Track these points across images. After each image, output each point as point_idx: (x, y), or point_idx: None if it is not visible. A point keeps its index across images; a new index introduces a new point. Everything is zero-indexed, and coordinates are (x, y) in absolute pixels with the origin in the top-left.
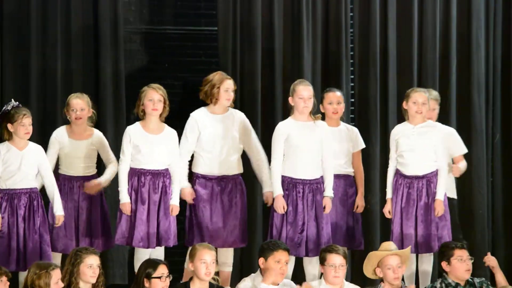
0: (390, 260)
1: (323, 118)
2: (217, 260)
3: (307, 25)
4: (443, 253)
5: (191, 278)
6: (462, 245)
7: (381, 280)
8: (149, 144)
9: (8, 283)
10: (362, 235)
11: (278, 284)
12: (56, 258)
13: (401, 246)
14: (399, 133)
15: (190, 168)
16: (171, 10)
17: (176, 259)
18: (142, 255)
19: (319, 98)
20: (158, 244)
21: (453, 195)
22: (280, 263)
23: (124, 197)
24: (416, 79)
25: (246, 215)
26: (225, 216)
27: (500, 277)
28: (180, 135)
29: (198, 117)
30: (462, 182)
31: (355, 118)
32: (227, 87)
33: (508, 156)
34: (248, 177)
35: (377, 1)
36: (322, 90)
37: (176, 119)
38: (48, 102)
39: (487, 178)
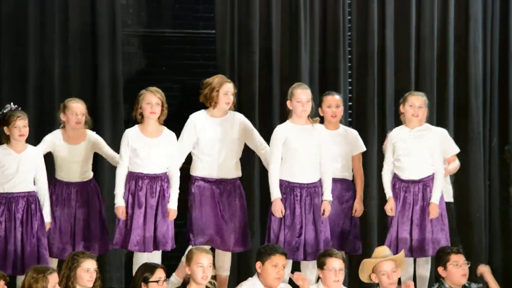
0: (384, 266)
1: (322, 122)
2: (214, 264)
3: (304, 28)
4: (439, 258)
5: (188, 282)
6: (458, 250)
7: (378, 285)
8: (147, 147)
9: (6, 287)
10: (359, 239)
11: None
12: (52, 262)
13: (397, 250)
14: (396, 137)
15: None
16: (169, 13)
17: (173, 263)
18: (140, 259)
19: (317, 101)
20: (156, 248)
21: (450, 198)
22: (277, 267)
23: (119, 201)
24: (414, 81)
25: (247, 218)
26: (225, 218)
27: (493, 285)
28: (178, 137)
29: (197, 120)
30: (459, 185)
31: (353, 120)
32: (226, 90)
33: (505, 159)
34: (247, 180)
35: (375, 2)
36: (320, 92)
37: (175, 122)
38: (45, 104)
39: (484, 181)
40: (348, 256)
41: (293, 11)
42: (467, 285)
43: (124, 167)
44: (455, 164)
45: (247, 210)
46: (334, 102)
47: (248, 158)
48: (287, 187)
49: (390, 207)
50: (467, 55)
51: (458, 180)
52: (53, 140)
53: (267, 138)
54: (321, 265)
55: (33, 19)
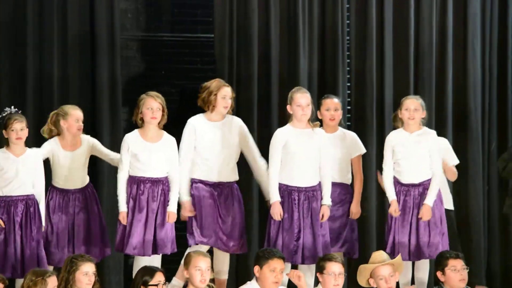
0: (382, 271)
1: (320, 125)
2: (212, 268)
3: (303, 32)
4: (438, 263)
5: (187, 286)
6: (457, 255)
7: None
8: (147, 152)
9: None
10: (357, 243)
11: None
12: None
13: (395, 254)
14: (395, 140)
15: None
16: (167, 17)
17: (171, 267)
18: (140, 262)
19: (316, 105)
20: (155, 251)
21: (450, 206)
22: (275, 272)
23: (122, 207)
24: (413, 87)
25: (244, 222)
26: (224, 221)
27: None
28: (178, 141)
29: (197, 124)
30: (458, 190)
31: (352, 125)
32: (224, 94)
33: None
34: (245, 184)
35: (374, 9)
36: (319, 96)
37: (173, 126)
38: (44, 108)
39: (483, 186)
40: (347, 260)
41: (292, 16)
42: None
43: (125, 171)
44: (455, 171)
45: (244, 214)
46: (332, 105)
47: (248, 165)
48: (285, 190)
49: (394, 209)
50: (465, 60)
51: (457, 184)
52: (52, 148)
53: (267, 142)
54: (320, 269)
55: (32, 23)
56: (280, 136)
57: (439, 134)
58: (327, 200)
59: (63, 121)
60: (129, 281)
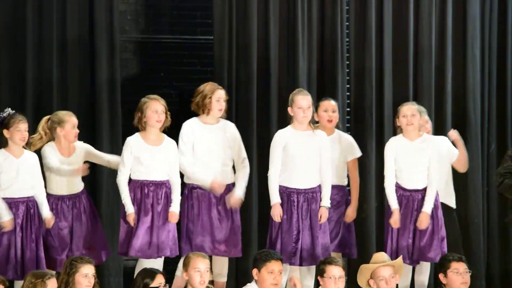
0: (382, 272)
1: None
2: (211, 270)
3: (302, 34)
4: (441, 265)
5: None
6: (460, 258)
7: None
8: (150, 155)
9: None
10: (355, 244)
11: None
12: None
13: (396, 257)
14: (396, 148)
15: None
16: (167, 19)
17: (169, 268)
18: (144, 265)
19: (313, 107)
20: (158, 254)
21: (453, 204)
22: (273, 274)
23: (130, 208)
24: (412, 89)
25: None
26: (222, 225)
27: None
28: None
29: (194, 126)
30: (457, 191)
31: (351, 128)
32: (218, 97)
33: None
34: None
35: (373, 10)
36: (318, 99)
37: (173, 128)
38: (43, 111)
39: (483, 187)
40: (347, 261)
41: (291, 18)
42: None
43: (126, 174)
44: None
45: (244, 217)
46: (330, 107)
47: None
48: (284, 192)
49: (394, 220)
50: (465, 62)
51: (456, 185)
52: (51, 154)
53: (266, 144)
54: (321, 273)
55: (31, 25)
56: (280, 138)
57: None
58: (326, 202)
59: (59, 128)
60: (129, 283)
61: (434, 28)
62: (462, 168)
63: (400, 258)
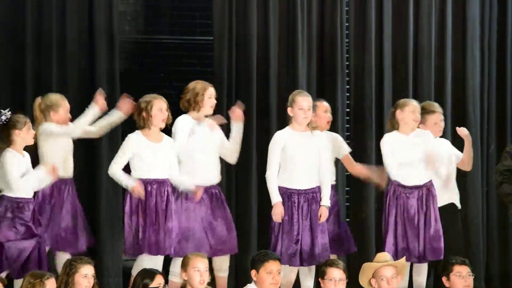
0: (384, 271)
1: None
2: (211, 269)
3: (302, 35)
4: (444, 268)
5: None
6: (463, 262)
7: None
8: (152, 152)
9: None
10: (351, 239)
11: None
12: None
13: (397, 257)
14: (392, 143)
15: None
16: (166, 20)
17: (168, 268)
18: (145, 263)
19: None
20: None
21: (458, 203)
22: (272, 274)
23: (131, 182)
24: (412, 91)
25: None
26: (217, 224)
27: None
28: None
29: (190, 122)
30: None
31: (351, 128)
32: (210, 94)
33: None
34: (243, 186)
35: (373, 10)
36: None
37: (172, 127)
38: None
39: (482, 187)
40: (347, 261)
41: (291, 18)
42: None
43: (119, 164)
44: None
45: (243, 218)
46: (328, 108)
47: (246, 167)
48: (284, 193)
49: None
50: (464, 62)
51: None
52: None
53: (265, 144)
54: (322, 275)
55: (30, 25)
56: (279, 139)
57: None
58: (326, 201)
59: (53, 112)
60: (128, 283)
61: (433, 28)
62: (468, 166)
63: (403, 259)
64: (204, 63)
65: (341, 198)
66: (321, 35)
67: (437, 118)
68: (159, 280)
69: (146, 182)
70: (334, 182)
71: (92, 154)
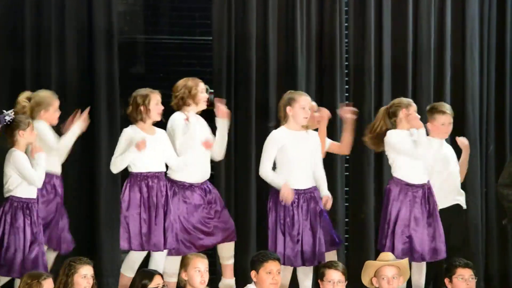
0: (386, 271)
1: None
2: (211, 268)
3: (301, 35)
4: (447, 270)
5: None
6: (466, 264)
7: None
8: (149, 144)
9: None
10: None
11: None
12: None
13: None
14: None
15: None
16: (166, 20)
17: None
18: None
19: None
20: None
21: (463, 204)
22: (271, 274)
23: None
24: (411, 90)
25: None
26: (216, 216)
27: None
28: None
29: (184, 119)
30: None
31: None
32: (202, 88)
33: (501, 166)
34: (243, 186)
35: (372, 10)
36: (317, 99)
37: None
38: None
39: (481, 188)
40: (346, 259)
41: (290, 18)
42: None
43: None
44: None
45: (242, 218)
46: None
47: (246, 168)
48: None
49: None
50: (463, 62)
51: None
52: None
53: (263, 145)
54: (321, 276)
55: (29, 25)
56: (278, 138)
57: None
58: (326, 191)
59: (44, 111)
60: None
61: (433, 28)
62: (461, 177)
63: (405, 260)
64: (203, 63)
65: (341, 198)
66: (320, 35)
67: (446, 120)
68: (157, 280)
69: (145, 177)
70: None
71: (91, 154)
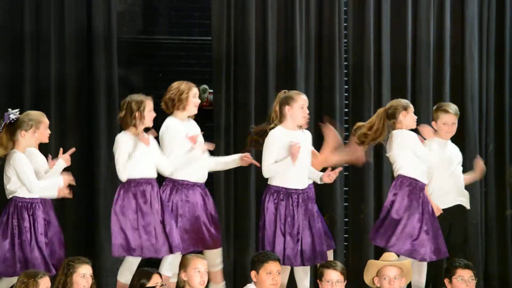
0: (388, 271)
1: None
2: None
3: (300, 35)
4: (447, 270)
5: None
6: (467, 265)
7: None
8: (143, 152)
9: None
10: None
11: None
12: None
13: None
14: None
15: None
16: (165, 20)
17: None
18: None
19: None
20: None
21: (466, 204)
22: (271, 274)
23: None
24: (410, 90)
25: None
26: (212, 220)
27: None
28: None
29: (179, 124)
30: None
31: (349, 128)
32: (195, 93)
33: (501, 166)
34: (242, 186)
35: (371, 11)
36: (316, 100)
37: None
38: (42, 111)
39: (481, 188)
40: (345, 259)
41: (289, 18)
42: None
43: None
44: None
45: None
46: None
47: (245, 169)
48: (284, 194)
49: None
50: (463, 63)
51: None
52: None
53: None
54: (319, 276)
55: (29, 25)
56: (279, 137)
57: None
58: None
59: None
60: None
61: (432, 28)
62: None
63: (408, 261)
64: (202, 63)
65: (340, 198)
66: (320, 34)
67: (448, 119)
68: (156, 279)
69: (141, 183)
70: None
71: (91, 156)
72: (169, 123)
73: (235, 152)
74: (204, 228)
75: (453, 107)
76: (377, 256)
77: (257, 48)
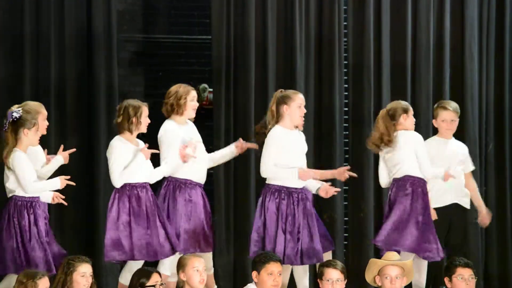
0: (389, 270)
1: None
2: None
3: (300, 34)
4: (447, 269)
5: None
6: (467, 264)
7: None
8: (137, 156)
9: None
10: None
11: None
12: None
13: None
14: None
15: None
16: (165, 19)
17: None
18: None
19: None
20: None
21: (465, 204)
22: (273, 275)
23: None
24: (410, 89)
25: None
26: (208, 221)
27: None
28: None
29: (177, 127)
30: None
31: (349, 127)
32: (193, 97)
33: (501, 165)
34: (242, 186)
35: (371, 11)
36: (316, 99)
37: None
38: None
39: (480, 187)
40: (345, 258)
41: (289, 18)
42: None
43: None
44: None
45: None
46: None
47: (245, 169)
48: (285, 192)
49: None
50: (463, 63)
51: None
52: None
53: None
54: (320, 275)
55: (29, 24)
56: (280, 136)
57: None
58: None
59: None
60: None
61: (432, 27)
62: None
63: (410, 261)
64: (202, 62)
65: (340, 197)
66: (319, 34)
67: (447, 116)
68: (155, 278)
69: (135, 187)
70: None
71: (91, 156)
72: (167, 127)
73: None
74: (205, 229)
75: (452, 105)
76: (377, 256)
77: (257, 47)
